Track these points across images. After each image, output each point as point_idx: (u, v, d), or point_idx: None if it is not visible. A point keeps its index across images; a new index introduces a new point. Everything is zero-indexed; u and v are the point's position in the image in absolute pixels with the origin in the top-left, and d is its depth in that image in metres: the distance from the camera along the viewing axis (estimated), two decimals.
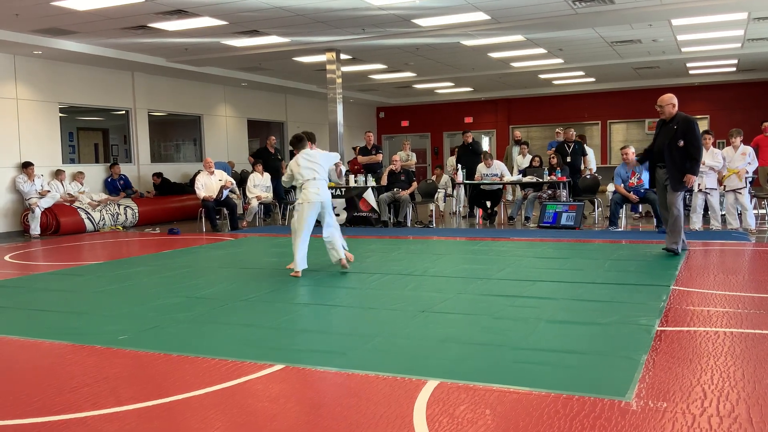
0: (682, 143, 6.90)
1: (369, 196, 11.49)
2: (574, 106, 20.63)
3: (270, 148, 13.83)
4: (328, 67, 12.96)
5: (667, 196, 7.12)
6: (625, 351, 3.76)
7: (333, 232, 6.82)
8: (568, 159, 11.88)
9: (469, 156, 12.61)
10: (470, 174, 12.09)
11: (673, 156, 6.96)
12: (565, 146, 12.18)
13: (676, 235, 7.09)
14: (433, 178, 13.35)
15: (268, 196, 12.64)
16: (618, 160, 19.17)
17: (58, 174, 12.11)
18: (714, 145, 9.84)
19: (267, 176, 12.78)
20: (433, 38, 11.94)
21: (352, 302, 5.33)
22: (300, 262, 6.63)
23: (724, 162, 9.48)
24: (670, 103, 7.13)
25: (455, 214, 13.53)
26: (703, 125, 18.83)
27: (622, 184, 9.87)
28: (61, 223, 11.46)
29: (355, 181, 11.93)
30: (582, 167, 12.13)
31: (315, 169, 6.72)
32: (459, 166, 12.43)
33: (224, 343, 4.22)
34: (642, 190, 9.72)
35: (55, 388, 3.44)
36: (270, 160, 13.62)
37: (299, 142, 6.92)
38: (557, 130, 14.08)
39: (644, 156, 7.56)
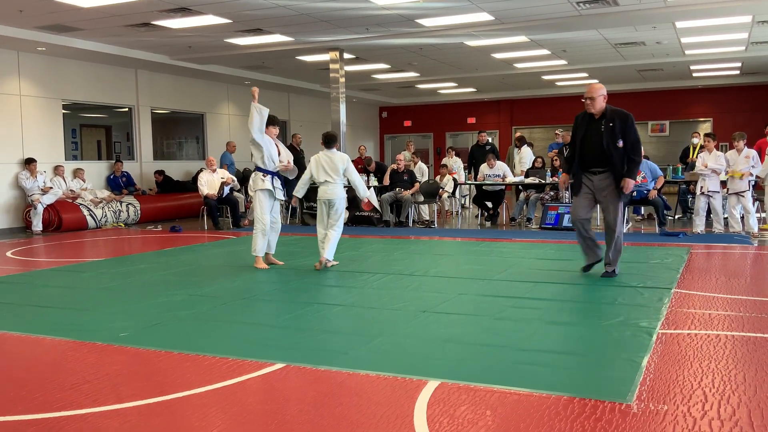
0: (621, 143, 5.83)
1: (371, 195, 11.49)
2: (576, 108, 20.48)
3: (296, 146, 13.64)
4: (332, 66, 12.97)
5: (605, 209, 6.04)
6: (627, 353, 3.75)
7: (330, 232, 6.94)
8: None
9: (484, 156, 12.55)
10: None
11: (613, 159, 5.86)
12: (564, 148, 12.16)
13: (618, 255, 6.14)
14: (437, 178, 13.34)
15: None
16: None
17: (57, 169, 12.11)
18: (717, 148, 9.83)
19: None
20: (436, 38, 11.93)
21: (354, 302, 5.33)
22: (322, 253, 6.93)
23: (727, 165, 9.46)
24: (602, 94, 5.96)
25: (457, 214, 13.53)
26: (706, 128, 18.81)
27: None
28: (63, 220, 11.48)
29: None
30: None
31: (328, 171, 6.93)
32: (462, 165, 12.41)
33: (225, 341, 4.22)
34: (645, 191, 9.70)
35: (56, 384, 3.44)
36: (297, 159, 13.43)
37: (334, 141, 7.07)
38: (557, 131, 14.08)
39: (570, 163, 6.30)
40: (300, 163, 13.32)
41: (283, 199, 7.31)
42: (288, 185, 7.97)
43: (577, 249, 8.14)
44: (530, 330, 4.32)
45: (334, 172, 6.92)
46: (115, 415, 3.00)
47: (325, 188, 6.94)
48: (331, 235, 6.93)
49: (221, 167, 12.79)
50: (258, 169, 7.08)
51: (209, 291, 5.91)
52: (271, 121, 7.12)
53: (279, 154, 7.20)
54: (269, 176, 7.05)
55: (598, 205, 6.32)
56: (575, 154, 6.11)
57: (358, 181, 7.10)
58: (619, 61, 15.10)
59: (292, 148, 13.35)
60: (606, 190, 5.96)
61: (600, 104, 5.93)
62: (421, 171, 13.21)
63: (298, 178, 7.46)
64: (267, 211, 7.12)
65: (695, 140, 12.39)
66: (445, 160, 14.55)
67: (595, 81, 5.87)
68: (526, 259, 7.40)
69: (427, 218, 11.69)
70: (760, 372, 3.41)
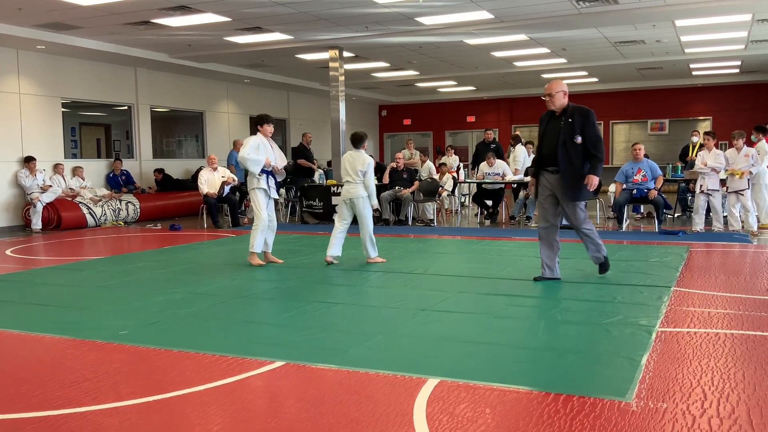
0: (580, 140, 5.58)
1: (376, 204, 11.44)
2: None
3: (306, 145, 13.56)
4: (331, 64, 12.96)
5: (565, 210, 5.80)
6: (626, 351, 3.76)
7: (361, 233, 7.16)
8: None
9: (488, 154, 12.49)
10: None
11: (570, 157, 5.61)
12: None
13: (599, 246, 5.93)
14: (437, 176, 13.32)
15: None
16: (620, 161, 19.20)
17: (56, 167, 12.11)
18: (716, 146, 9.83)
19: None
20: (436, 37, 11.93)
21: (353, 300, 5.34)
22: (329, 250, 7.14)
23: (727, 163, 9.46)
24: (561, 90, 5.74)
25: (457, 213, 13.53)
26: (705, 126, 18.82)
27: (626, 181, 9.83)
28: (63, 218, 11.47)
29: None
30: None
31: (349, 171, 7.10)
32: (462, 164, 12.39)
33: (225, 340, 4.22)
34: (645, 190, 9.69)
35: (55, 382, 3.45)
36: (307, 158, 13.33)
37: (360, 141, 7.16)
38: None
39: (535, 165, 6.14)
40: (310, 161, 13.27)
41: (278, 197, 7.32)
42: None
43: (577, 247, 8.14)
44: (529, 328, 4.32)
45: (354, 173, 7.04)
46: (115, 413, 3.00)
47: (347, 188, 7.13)
48: (362, 236, 7.13)
49: (228, 166, 12.75)
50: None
51: (209, 289, 5.91)
52: (266, 119, 7.14)
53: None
54: (264, 175, 7.07)
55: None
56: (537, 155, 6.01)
57: (371, 187, 7.11)
58: (618, 59, 15.10)
59: (302, 147, 13.34)
60: (563, 189, 5.70)
61: (560, 101, 5.72)
62: (429, 170, 13.17)
63: (303, 175, 7.49)
64: (265, 208, 7.14)
65: (695, 139, 12.39)
66: (444, 159, 14.53)
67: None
68: (525, 257, 7.40)
69: (431, 217, 11.68)
70: (759, 370, 3.41)
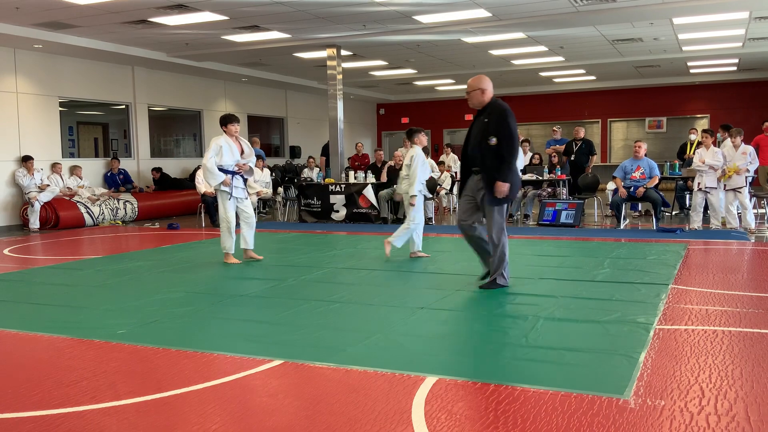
0: (494, 141, 5.22)
1: (368, 192, 11.48)
2: (574, 105, 20.63)
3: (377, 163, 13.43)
4: (329, 63, 12.95)
5: (484, 215, 5.46)
6: (624, 349, 3.76)
7: (405, 222, 7.25)
8: (572, 157, 11.87)
9: None
10: None
11: (485, 159, 5.30)
12: (572, 144, 12.17)
13: (501, 265, 5.48)
14: (438, 174, 13.31)
15: (268, 191, 12.63)
16: (617, 159, 19.23)
17: (54, 166, 12.09)
18: (714, 144, 9.84)
19: (267, 171, 12.77)
20: (434, 35, 11.93)
21: (351, 298, 5.33)
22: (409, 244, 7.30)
23: (725, 161, 9.47)
24: (478, 87, 5.36)
25: (455, 211, 13.53)
26: (703, 124, 18.84)
27: (624, 178, 9.83)
28: (61, 218, 11.46)
29: (355, 177, 11.93)
30: (588, 166, 12.14)
31: (403, 167, 7.27)
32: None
33: (223, 338, 4.22)
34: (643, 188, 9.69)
35: (53, 381, 3.44)
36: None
37: (410, 135, 7.23)
38: (554, 128, 14.09)
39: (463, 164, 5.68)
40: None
41: (242, 197, 7.29)
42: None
43: (576, 245, 8.17)
44: (528, 326, 4.33)
45: (407, 167, 7.14)
46: (113, 413, 3.00)
47: (400, 184, 7.34)
48: (412, 227, 7.19)
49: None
50: (219, 168, 7.08)
51: (207, 288, 5.91)
52: (230, 119, 7.16)
53: (242, 153, 7.23)
54: (229, 176, 7.09)
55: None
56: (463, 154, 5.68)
57: (412, 177, 7.08)
58: (616, 57, 15.11)
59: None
60: (481, 193, 5.39)
61: (477, 98, 5.39)
62: (431, 167, 13.14)
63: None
64: (229, 210, 7.15)
65: (692, 136, 12.40)
66: (442, 158, 14.51)
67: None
68: (523, 255, 7.40)
69: (430, 215, 11.68)
70: (757, 367, 3.42)
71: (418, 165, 7.06)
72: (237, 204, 7.23)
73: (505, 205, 5.44)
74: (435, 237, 9.44)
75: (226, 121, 7.14)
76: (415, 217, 7.15)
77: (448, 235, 9.64)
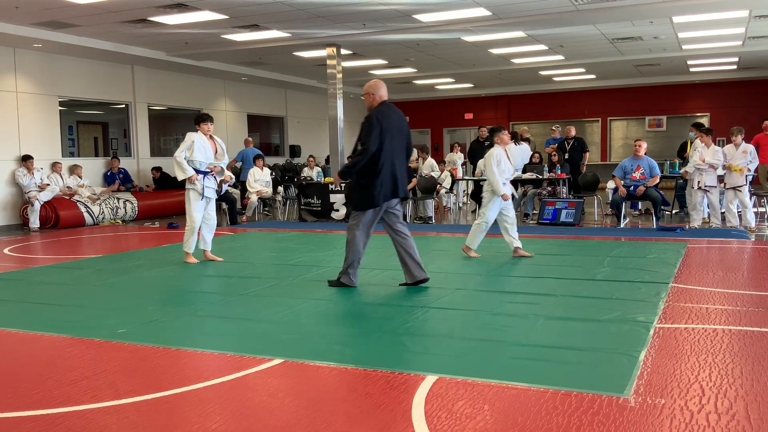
0: (360, 146, 5.32)
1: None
2: (574, 103, 20.63)
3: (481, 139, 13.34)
4: (329, 62, 12.95)
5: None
6: (624, 348, 3.76)
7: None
8: (566, 156, 11.88)
9: (484, 151, 12.47)
10: None
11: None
12: (564, 143, 12.19)
13: (345, 264, 5.60)
14: (438, 173, 13.30)
15: (268, 191, 12.63)
16: (617, 158, 19.22)
17: (54, 166, 12.08)
18: (715, 142, 9.83)
19: (267, 171, 12.77)
20: (434, 34, 11.92)
21: (351, 297, 5.33)
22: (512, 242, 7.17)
23: (724, 159, 9.47)
24: (368, 92, 5.51)
25: (460, 209, 13.53)
26: (703, 123, 18.84)
27: (623, 177, 9.82)
28: (61, 217, 11.46)
29: None
30: (582, 164, 12.15)
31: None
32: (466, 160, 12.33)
33: (223, 337, 4.22)
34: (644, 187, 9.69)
35: (54, 381, 3.44)
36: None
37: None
38: (553, 127, 14.09)
39: None
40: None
41: (212, 197, 7.31)
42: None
43: (574, 244, 8.16)
44: (528, 325, 4.33)
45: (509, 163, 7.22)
46: (113, 412, 3.00)
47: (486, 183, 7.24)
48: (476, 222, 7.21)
49: (236, 163, 12.69)
50: (190, 165, 7.11)
51: (206, 287, 5.91)
52: (203, 119, 7.20)
53: (216, 152, 7.26)
54: (201, 176, 7.10)
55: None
56: None
57: (488, 176, 7.04)
58: (616, 56, 15.11)
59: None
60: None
61: (367, 101, 5.51)
62: (431, 166, 13.12)
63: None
64: (198, 210, 7.16)
65: (692, 134, 12.39)
66: (449, 156, 14.45)
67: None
68: None
69: (431, 214, 11.67)
70: (757, 366, 3.42)
71: (490, 164, 6.96)
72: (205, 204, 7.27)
73: (364, 214, 5.44)
74: (435, 236, 9.44)
75: (199, 120, 7.19)
76: (486, 215, 7.08)
77: (447, 234, 9.64)
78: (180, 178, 7.12)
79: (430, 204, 11.77)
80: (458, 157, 14.45)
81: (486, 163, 7.09)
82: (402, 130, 5.52)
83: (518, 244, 7.13)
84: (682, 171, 10.48)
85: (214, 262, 7.25)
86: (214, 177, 7.29)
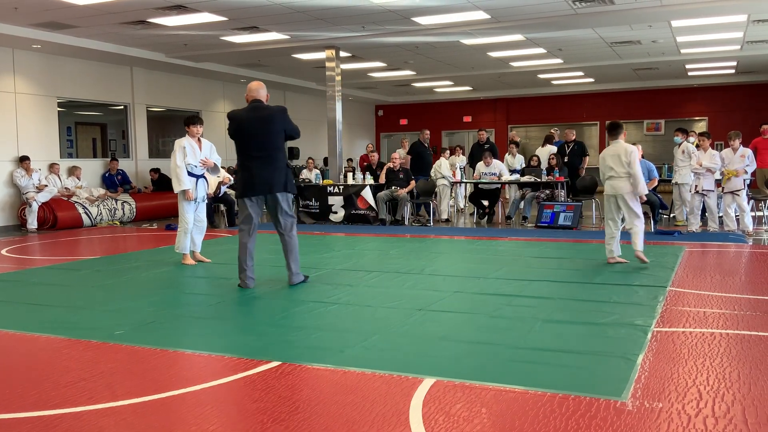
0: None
1: (366, 193, 11.48)
2: (572, 107, 20.65)
3: (423, 142, 13.31)
4: (328, 64, 12.95)
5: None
6: (622, 351, 3.76)
7: (631, 227, 6.76)
8: (566, 159, 11.89)
9: (482, 154, 12.44)
10: None
11: None
12: (564, 147, 12.20)
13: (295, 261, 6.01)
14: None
15: None
16: None
17: (52, 167, 12.07)
18: (712, 146, 9.85)
19: None
20: (433, 37, 11.93)
21: (350, 300, 5.33)
22: (613, 252, 6.92)
23: (722, 163, 9.48)
24: (247, 93, 6.24)
25: (459, 212, 13.53)
26: (701, 127, 18.86)
27: None
28: (59, 218, 11.44)
29: (354, 179, 11.93)
30: (581, 167, 12.16)
31: (611, 164, 6.66)
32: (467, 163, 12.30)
33: (221, 339, 4.22)
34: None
35: (51, 382, 3.44)
36: (425, 155, 13.13)
37: (615, 130, 6.77)
38: (551, 130, 14.10)
39: None
40: (425, 159, 12.98)
41: (201, 201, 7.35)
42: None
43: (572, 247, 8.17)
44: (526, 328, 4.33)
45: (617, 164, 6.59)
46: (111, 413, 2.99)
47: (611, 183, 6.67)
48: (633, 229, 6.66)
49: None
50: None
51: (204, 289, 5.91)
52: (192, 120, 7.18)
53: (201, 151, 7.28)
54: (193, 178, 7.12)
55: None
56: None
57: (637, 176, 6.52)
58: (614, 59, 15.13)
59: (419, 144, 13.02)
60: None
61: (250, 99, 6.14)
62: (447, 167, 13.10)
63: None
64: (190, 212, 7.20)
65: (691, 139, 12.40)
66: (452, 159, 14.43)
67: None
68: (521, 257, 7.41)
69: (429, 217, 11.65)
70: (755, 370, 3.42)
71: (635, 161, 6.57)
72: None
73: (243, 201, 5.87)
74: (433, 238, 9.44)
75: (188, 122, 7.16)
76: (639, 214, 6.69)
77: (446, 237, 9.65)
78: (176, 190, 7.13)
79: (429, 206, 11.77)
80: (459, 160, 14.45)
81: (632, 161, 6.55)
82: (265, 127, 5.92)
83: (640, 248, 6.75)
84: (672, 182, 10.50)
85: (210, 264, 7.24)
86: (206, 179, 7.27)
